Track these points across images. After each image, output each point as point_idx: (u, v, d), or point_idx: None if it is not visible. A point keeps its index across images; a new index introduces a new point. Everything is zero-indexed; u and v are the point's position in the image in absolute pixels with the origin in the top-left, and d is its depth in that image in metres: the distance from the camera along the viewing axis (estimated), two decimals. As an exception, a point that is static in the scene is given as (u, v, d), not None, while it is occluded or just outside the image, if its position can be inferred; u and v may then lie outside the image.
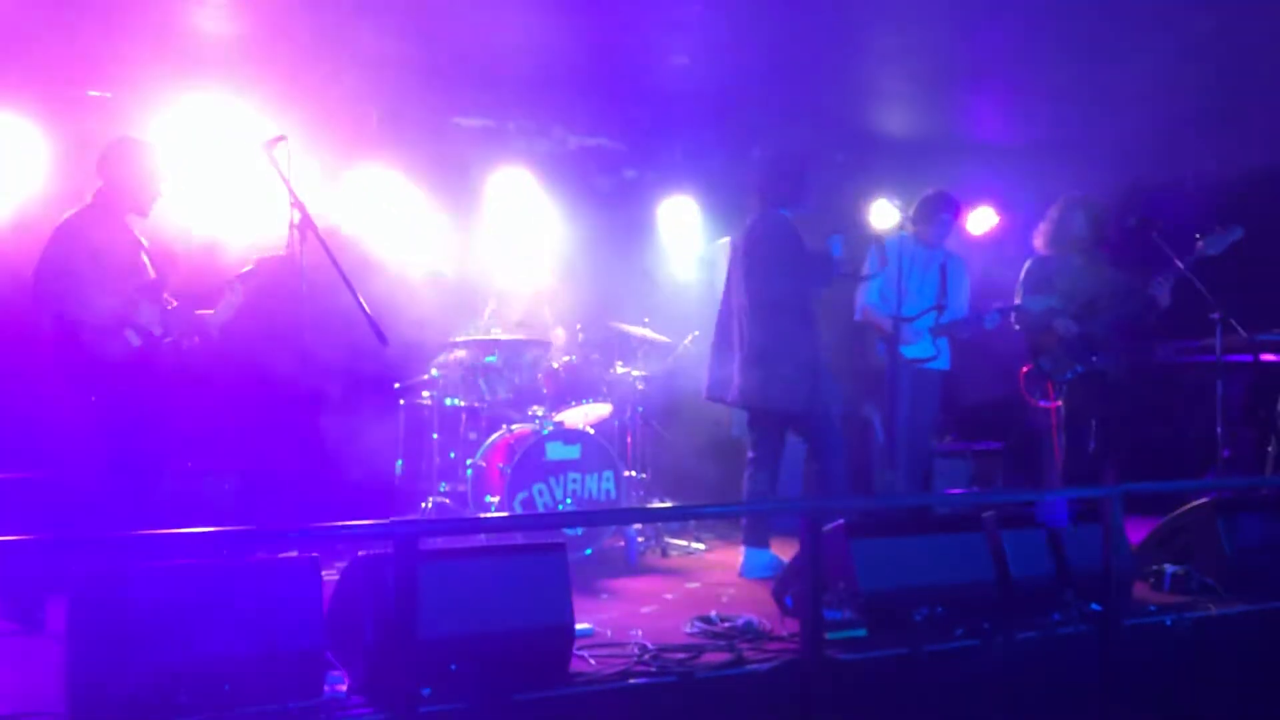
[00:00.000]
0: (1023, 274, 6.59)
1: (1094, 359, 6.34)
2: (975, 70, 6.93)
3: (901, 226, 6.04)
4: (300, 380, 4.83)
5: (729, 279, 6.04)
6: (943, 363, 6.48)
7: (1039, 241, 6.57)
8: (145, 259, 5.00)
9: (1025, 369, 6.55)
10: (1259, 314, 6.79)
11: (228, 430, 6.49)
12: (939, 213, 6.47)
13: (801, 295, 5.75)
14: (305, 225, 4.80)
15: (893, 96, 7.47)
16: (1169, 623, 4.52)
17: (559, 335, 7.13)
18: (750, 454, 5.95)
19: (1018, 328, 6.58)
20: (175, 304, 4.99)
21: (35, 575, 4.65)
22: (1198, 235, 6.08)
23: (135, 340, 4.74)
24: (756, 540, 5.78)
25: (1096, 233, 6.40)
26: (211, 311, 5.04)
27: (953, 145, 8.20)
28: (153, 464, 4.91)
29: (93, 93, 6.41)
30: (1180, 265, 6.09)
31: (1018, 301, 6.49)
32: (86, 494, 4.74)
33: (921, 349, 6.32)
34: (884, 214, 6.26)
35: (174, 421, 5.12)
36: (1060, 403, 6.57)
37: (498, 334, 6.78)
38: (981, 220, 8.63)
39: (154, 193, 4.99)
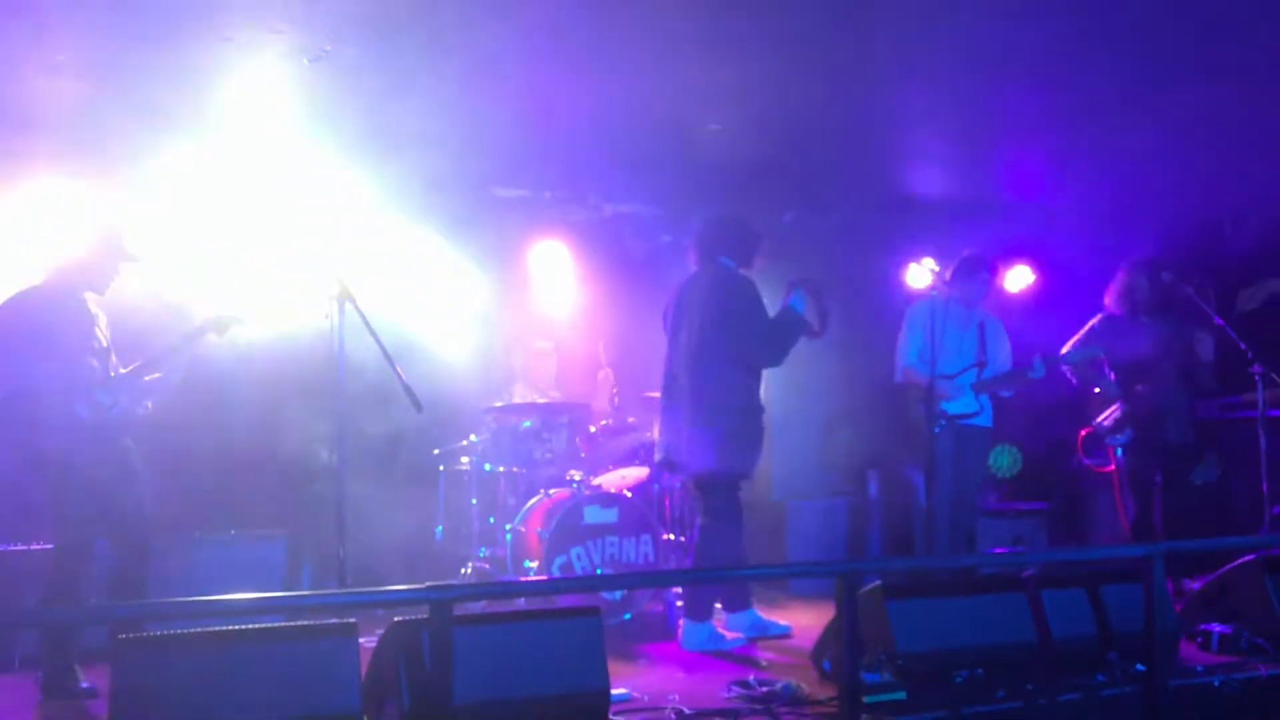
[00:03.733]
0: (1086, 327, 6.70)
1: (1152, 425, 6.36)
2: (1010, 129, 6.96)
3: (935, 287, 6.05)
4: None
5: (673, 335, 5.80)
6: (985, 419, 6.42)
7: (1109, 300, 6.72)
8: (99, 330, 4.97)
9: (1084, 431, 6.61)
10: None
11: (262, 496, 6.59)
12: (977, 273, 6.47)
13: (764, 351, 5.57)
14: (344, 296, 4.92)
15: (927, 157, 7.51)
16: (1217, 684, 4.44)
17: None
18: (706, 518, 5.61)
19: (1074, 380, 6.64)
20: (122, 371, 4.96)
21: (63, 643, 4.72)
22: (1238, 295, 6.15)
23: (85, 413, 4.71)
24: (738, 604, 5.72)
25: (1163, 296, 6.55)
26: (158, 375, 4.98)
27: (988, 204, 8.21)
28: (120, 533, 4.90)
29: (142, 164, 6.58)
30: (1220, 322, 6.10)
31: (1064, 351, 6.57)
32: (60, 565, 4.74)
33: (964, 404, 6.28)
34: (919, 274, 6.26)
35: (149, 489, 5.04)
36: (1113, 466, 6.59)
37: (535, 398, 6.86)
38: (1018, 278, 8.61)
39: (112, 272, 4.98)
